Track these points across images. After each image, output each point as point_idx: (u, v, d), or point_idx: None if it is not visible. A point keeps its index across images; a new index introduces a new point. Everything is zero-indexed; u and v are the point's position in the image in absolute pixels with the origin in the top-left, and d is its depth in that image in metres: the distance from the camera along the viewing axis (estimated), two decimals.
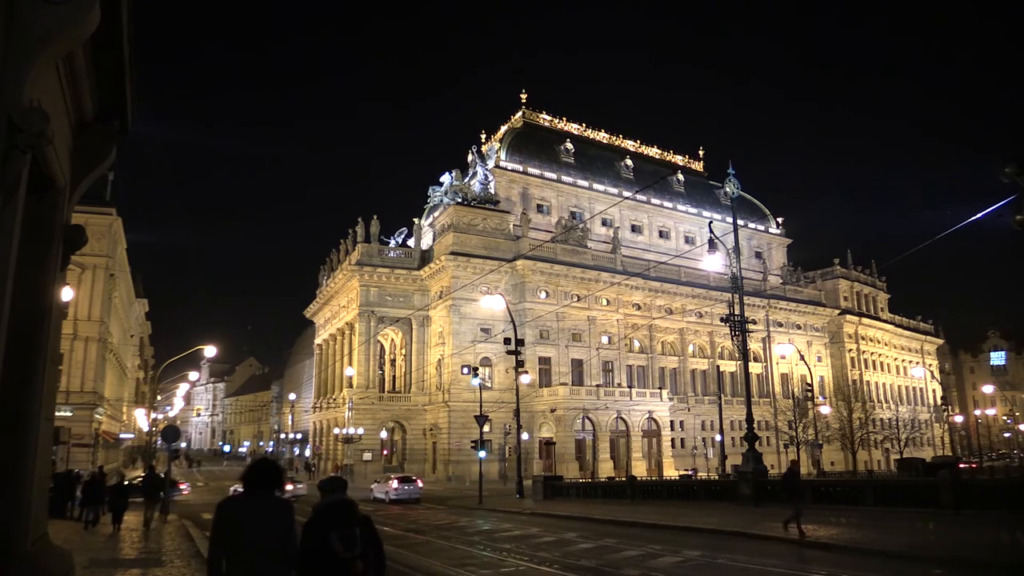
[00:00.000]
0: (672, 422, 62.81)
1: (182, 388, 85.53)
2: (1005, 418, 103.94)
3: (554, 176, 73.18)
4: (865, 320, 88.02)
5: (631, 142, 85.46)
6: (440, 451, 58.87)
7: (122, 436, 61.15)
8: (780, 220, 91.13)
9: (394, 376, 68.88)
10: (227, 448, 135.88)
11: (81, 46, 6.23)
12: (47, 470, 8.69)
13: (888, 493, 22.90)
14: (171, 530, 20.99)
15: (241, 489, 5.14)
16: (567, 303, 60.52)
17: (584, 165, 76.56)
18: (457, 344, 57.50)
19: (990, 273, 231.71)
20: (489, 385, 54.80)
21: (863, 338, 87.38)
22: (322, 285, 78.48)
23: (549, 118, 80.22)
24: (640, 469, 55.43)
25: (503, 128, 77.86)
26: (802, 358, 60.85)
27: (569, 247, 64.11)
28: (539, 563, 14.45)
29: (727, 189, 34.24)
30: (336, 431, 64.69)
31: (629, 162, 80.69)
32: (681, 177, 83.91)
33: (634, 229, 76.24)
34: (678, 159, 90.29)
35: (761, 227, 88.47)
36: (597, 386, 59.70)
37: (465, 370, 54.85)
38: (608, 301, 64.13)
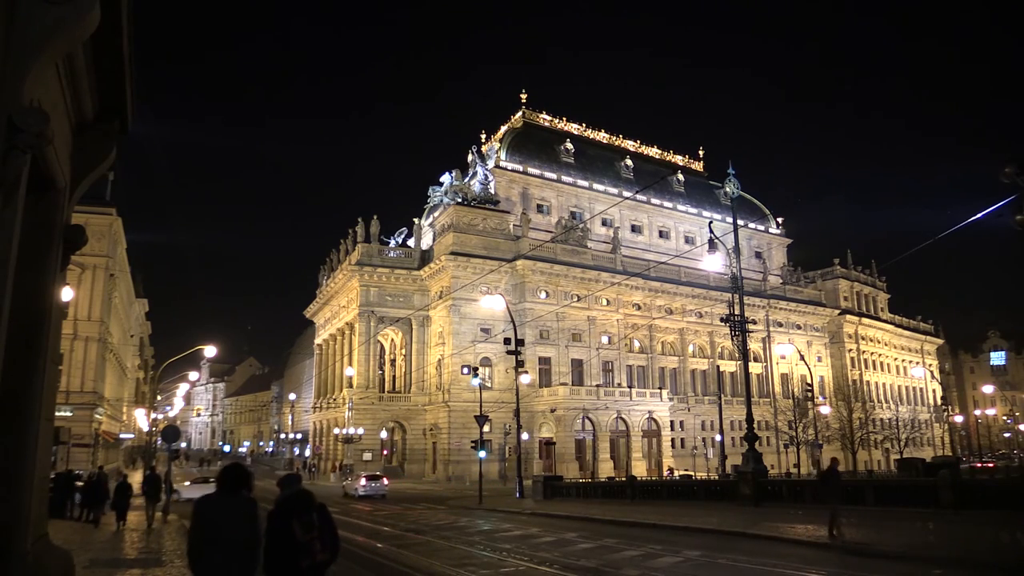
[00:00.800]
0: (672, 422, 62.82)
1: (182, 388, 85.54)
2: (1005, 418, 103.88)
3: (554, 176, 73.19)
4: (865, 320, 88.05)
5: (631, 142, 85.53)
6: (440, 451, 58.88)
7: (122, 436, 61.14)
8: (780, 220, 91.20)
9: (394, 376, 68.88)
10: (227, 448, 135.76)
11: (81, 46, 6.23)
12: (47, 470, 8.69)
13: (888, 493, 22.88)
14: (171, 530, 21.01)
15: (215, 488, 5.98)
16: (567, 303, 60.53)
17: (584, 165, 76.58)
18: (457, 344, 57.50)
19: (990, 273, 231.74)
20: (489, 385, 54.80)
21: (863, 338, 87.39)
22: (322, 285, 78.50)
23: (549, 118, 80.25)
24: (640, 469, 55.44)
25: (503, 128, 77.89)
26: (802, 358, 60.84)
27: (569, 247, 64.12)
28: (539, 563, 14.44)
29: (727, 189, 34.15)
30: (336, 431, 64.70)
31: (629, 162, 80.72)
32: (681, 177, 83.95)
33: (634, 229, 76.25)
34: (678, 159, 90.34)
35: (761, 227, 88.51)
36: (597, 386, 59.71)
37: (465, 370, 54.85)
38: (608, 301, 64.13)
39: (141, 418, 59.77)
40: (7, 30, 4.82)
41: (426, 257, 65.00)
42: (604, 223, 71.88)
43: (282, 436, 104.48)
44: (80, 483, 25.10)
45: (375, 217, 64.64)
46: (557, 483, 38.41)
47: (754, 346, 68.76)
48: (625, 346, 65.03)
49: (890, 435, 68.18)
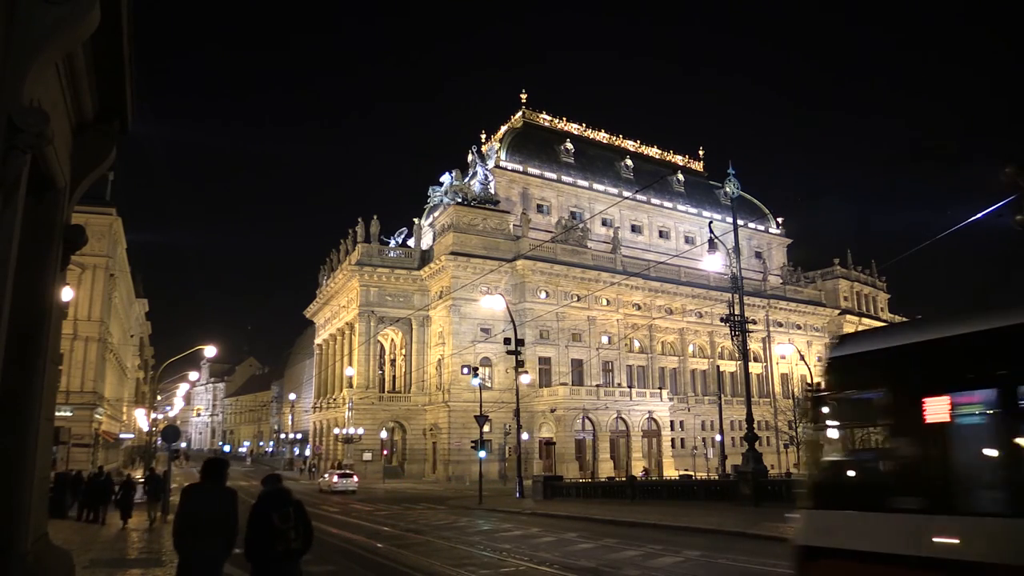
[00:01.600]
0: (672, 422, 62.82)
1: (182, 388, 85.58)
2: None
3: (554, 176, 73.21)
4: (865, 320, 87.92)
5: (631, 142, 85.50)
6: (440, 451, 58.89)
7: (122, 436, 61.13)
8: (780, 220, 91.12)
9: (394, 376, 68.89)
10: (227, 448, 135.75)
11: (81, 46, 6.23)
12: (47, 470, 8.70)
13: None
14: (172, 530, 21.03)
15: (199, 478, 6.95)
16: (567, 303, 60.53)
17: (584, 165, 76.59)
18: (457, 344, 57.51)
19: (990, 273, 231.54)
20: (489, 385, 54.81)
21: None
22: (322, 285, 78.52)
23: (549, 118, 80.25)
24: (640, 469, 55.44)
25: (503, 128, 77.88)
26: (802, 358, 60.82)
27: (569, 247, 64.13)
28: (539, 563, 14.44)
29: (727, 189, 34.22)
30: (336, 431, 64.71)
31: (629, 162, 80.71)
32: (681, 177, 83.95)
33: (634, 229, 76.26)
34: (678, 159, 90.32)
35: (761, 227, 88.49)
36: (597, 386, 59.71)
37: (465, 370, 54.83)
38: (608, 301, 64.15)
39: (141, 418, 59.81)
40: (7, 30, 4.82)
41: (426, 257, 65.02)
42: (604, 223, 71.88)
43: (282, 436, 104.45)
44: (83, 483, 25.17)
45: (375, 217, 64.78)
46: (557, 483, 38.41)
47: (754, 346, 68.77)
48: (625, 346, 65.03)
49: None
